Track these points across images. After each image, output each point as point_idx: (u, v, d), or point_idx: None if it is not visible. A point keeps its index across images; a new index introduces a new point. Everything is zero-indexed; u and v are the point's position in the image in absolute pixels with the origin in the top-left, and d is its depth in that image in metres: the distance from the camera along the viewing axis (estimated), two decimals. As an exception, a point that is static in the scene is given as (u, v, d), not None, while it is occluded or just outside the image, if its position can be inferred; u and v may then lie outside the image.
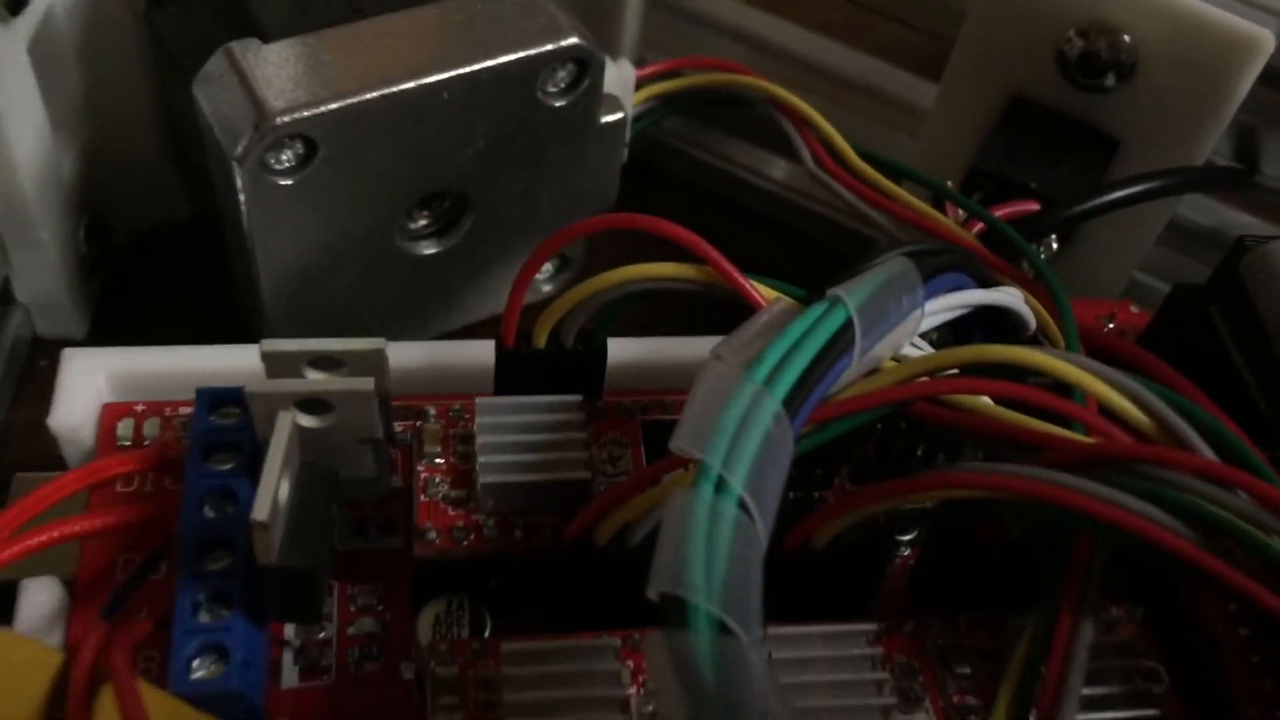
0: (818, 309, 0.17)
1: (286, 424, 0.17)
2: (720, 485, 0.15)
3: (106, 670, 0.15)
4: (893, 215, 0.24)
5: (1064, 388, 0.17)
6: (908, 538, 0.19)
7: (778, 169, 0.32)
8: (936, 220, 0.23)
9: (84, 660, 0.15)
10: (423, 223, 0.25)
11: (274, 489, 0.16)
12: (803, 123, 0.25)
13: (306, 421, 0.17)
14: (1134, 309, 0.23)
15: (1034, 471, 0.16)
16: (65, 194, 0.26)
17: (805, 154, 0.25)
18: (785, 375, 0.16)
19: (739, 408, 0.15)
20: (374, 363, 0.18)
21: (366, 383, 0.17)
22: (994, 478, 0.16)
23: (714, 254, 0.18)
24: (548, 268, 0.28)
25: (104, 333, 0.28)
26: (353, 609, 0.19)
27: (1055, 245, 0.24)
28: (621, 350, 0.20)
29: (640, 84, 0.26)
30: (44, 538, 0.18)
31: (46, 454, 0.22)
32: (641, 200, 0.26)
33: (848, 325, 0.17)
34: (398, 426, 0.20)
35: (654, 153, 0.31)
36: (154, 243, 0.29)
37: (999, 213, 0.23)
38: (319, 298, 0.24)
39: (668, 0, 0.31)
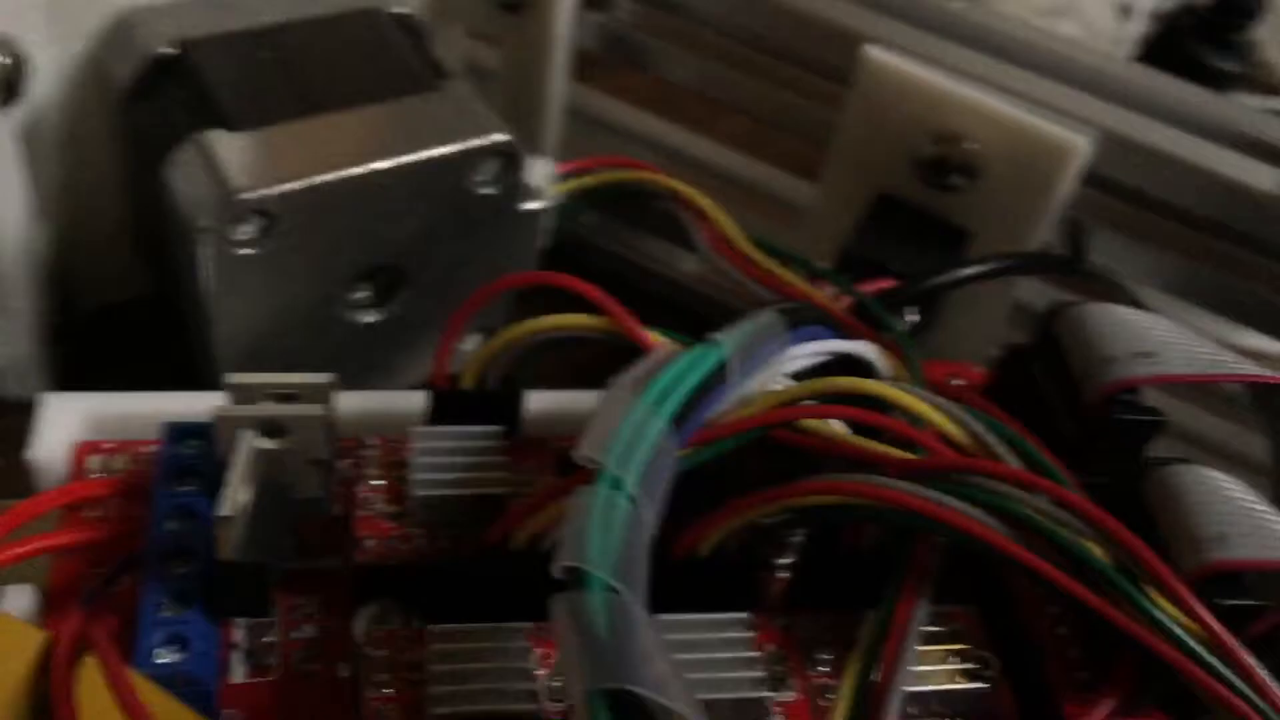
0: (700, 349, 0.20)
1: (247, 439, 0.20)
2: (616, 483, 0.18)
3: (88, 643, 0.18)
4: (776, 291, 0.27)
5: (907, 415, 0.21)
6: (786, 545, 0.22)
7: (689, 262, 0.36)
8: (811, 294, 0.27)
9: (67, 633, 0.18)
10: (362, 294, 0.28)
11: (234, 491, 0.19)
12: (699, 214, 0.29)
13: (264, 444, 0.20)
14: (975, 369, 0.26)
15: (878, 479, 0.19)
16: (40, 269, 0.29)
17: (700, 240, 0.29)
18: (671, 399, 0.19)
19: (632, 424, 0.19)
20: (323, 393, 0.21)
21: (317, 408, 0.20)
22: (847, 484, 0.19)
23: (614, 306, 0.22)
24: (475, 339, 0.31)
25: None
26: (295, 617, 0.22)
27: (916, 318, 0.28)
28: (539, 400, 0.24)
29: (561, 178, 0.30)
30: (26, 549, 0.21)
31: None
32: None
33: (723, 362, 0.20)
34: (342, 463, 0.23)
35: (575, 247, 0.35)
36: (114, 317, 0.32)
37: (864, 289, 0.27)
38: (268, 361, 0.27)
39: (586, 111, 0.35)
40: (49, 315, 0.29)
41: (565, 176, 0.30)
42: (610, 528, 0.17)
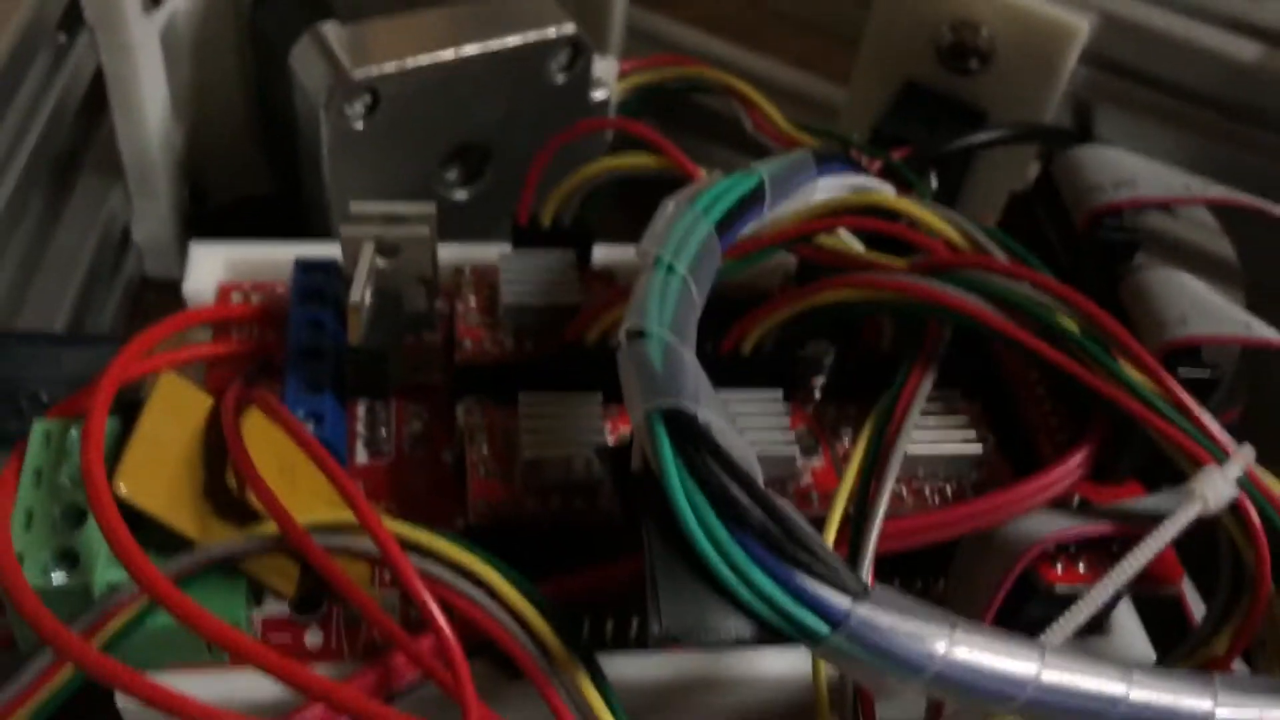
0: (739, 174, 0.24)
1: (369, 249, 0.24)
2: (670, 268, 0.22)
3: (250, 400, 0.22)
4: (812, 160, 0.31)
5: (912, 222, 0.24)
6: (826, 359, 0.25)
7: (719, 155, 0.40)
8: (844, 162, 0.31)
9: (232, 392, 0.22)
10: (454, 173, 0.33)
11: (362, 285, 0.23)
12: (746, 101, 0.33)
13: (380, 262, 0.25)
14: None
15: (886, 273, 0.23)
16: (176, 159, 0.33)
17: (747, 122, 0.33)
18: (716, 208, 0.23)
19: (684, 224, 0.23)
20: (427, 219, 0.25)
21: (423, 229, 0.25)
22: (861, 279, 0.23)
23: (672, 147, 0.26)
24: (548, 219, 0.35)
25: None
26: (405, 415, 0.26)
27: (935, 183, 0.32)
28: (607, 253, 0.28)
29: (623, 75, 0.34)
30: (187, 354, 0.25)
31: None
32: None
33: (761, 185, 0.24)
34: (441, 303, 0.27)
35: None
36: (238, 211, 0.37)
37: (890, 154, 0.31)
38: (374, 227, 0.32)
39: (640, 29, 0.39)
40: (183, 204, 0.34)
41: (629, 73, 0.35)
42: (665, 298, 0.21)
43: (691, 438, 0.19)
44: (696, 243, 0.22)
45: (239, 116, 0.35)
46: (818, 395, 0.26)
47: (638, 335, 0.21)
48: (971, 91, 0.33)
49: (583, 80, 0.32)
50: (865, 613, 0.18)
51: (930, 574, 0.24)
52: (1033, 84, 0.32)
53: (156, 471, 0.21)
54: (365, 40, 0.30)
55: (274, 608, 0.23)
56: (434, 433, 0.26)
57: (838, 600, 0.18)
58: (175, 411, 0.22)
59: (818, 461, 0.24)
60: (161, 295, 0.35)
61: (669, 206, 0.23)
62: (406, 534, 0.20)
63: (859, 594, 0.18)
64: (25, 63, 0.27)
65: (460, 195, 0.33)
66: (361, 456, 0.25)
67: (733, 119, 0.34)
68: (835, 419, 0.25)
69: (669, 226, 0.22)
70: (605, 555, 0.23)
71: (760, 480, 0.20)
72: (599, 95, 0.33)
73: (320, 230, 0.32)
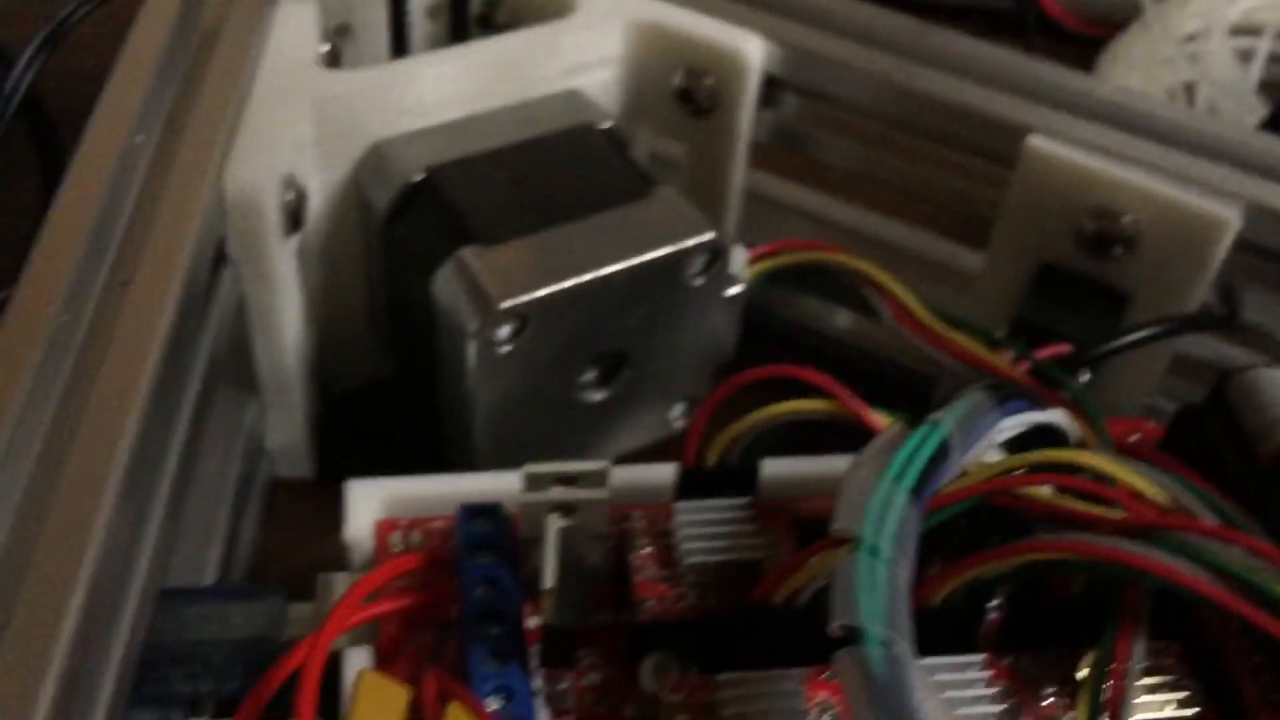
0: (925, 428, 0.24)
1: (555, 523, 0.24)
2: (873, 551, 0.21)
3: (448, 694, 0.22)
4: (956, 356, 0.31)
5: (1104, 478, 0.24)
6: (995, 602, 0.25)
7: (845, 320, 0.39)
8: (991, 360, 0.30)
9: (430, 685, 0.22)
10: (592, 375, 0.32)
11: (554, 567, 0.23)
12: (880, 289, 0.33)
13: (561, 524, 0.24)
14: (1151, 424, 0.29)
15: (1097, 538, 0.23)
16: (309, 366, 0.33)
17: (885, 312, 0.32)
18: (909, 474, 0.23)
19: (881, 497, 0.22)
20: (601, 478, 0.25)
21: (601, 491, 0.24)
22: (1069, 544, 0.23)
23: (842, 390, 0.25)
24: (678, 408, 0.35)
25: (325, 472, 0.35)
26: (582, 667, 0.26)
27: (1086, 378, 0.31)
28: (771, 466, 0.27)
29: (750, 262, 0.34)
30: (370, 613, 0.25)
31: (297, 572, 0.29)
32: (745, 349, 0.34)
33: (948, 439, 0.24)
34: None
35: (753, 312, 0.39)
36: (361, 400, 0.36)
37: (1040, 355, 0.30)
38: (515, 438, 0.31)
39: (757, 191, 0.39)
40: (314, 406, 0.34)
41: (754, 260, 0.34)
42: (875, 588, 0.21)
43: (933, 764, 0.19)
44: (896, 517, 0.22)
45: (361, 315, 0.35)
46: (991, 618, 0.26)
47: (854, 634, 0.20)
48: (1113, 275, 0.32)
49: (719, 279, 0.32)
50: None
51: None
52: (1181, 272, 0.31)
53: (369, 790, 0.21)
54: (508, 265, 0.29)
55: None
56: (614, 686, 0.25)
57: None
58: (378, 712, 0.22)
59: (1022, 724, 0.24)
60: (293, 497, 0.35)
61: (860, 474, 0.23)
62: None
63: None
64: (190, 313, 0.27)
65: (597, 397, 0.32)
66: (543, 717, 0.25)
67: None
68: (1034, 675, 0.24)
69: (865, 500, 0.22)
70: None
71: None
72: (733, 290, 0.33)
73: (459, 439, 0.32)
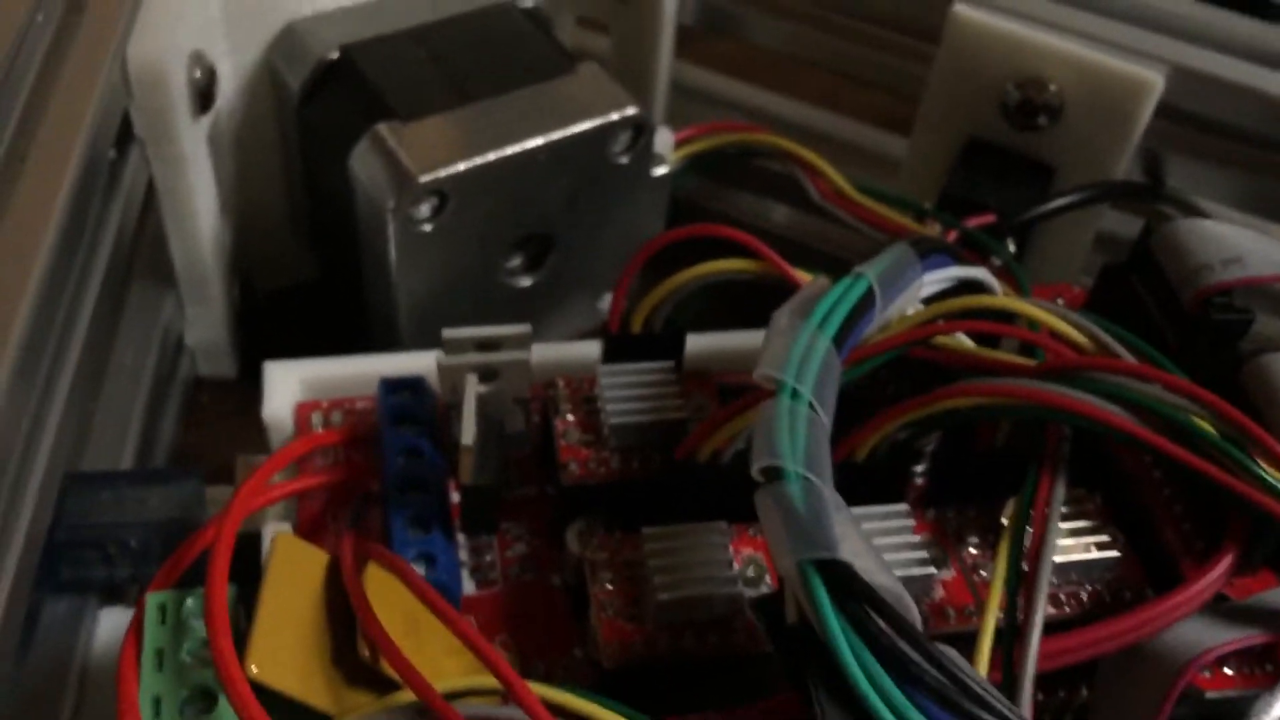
0: (848, 280, 0.23)
1: (473, 383, 0.23)
2: (794, 395, 0.21)
3: (367, 555, 0.22)
4: (886, 231, 0.31)
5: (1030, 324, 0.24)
6: (927, 448, 0.25)
7: (776, 212, 0.39)
8: (921, 231, 0.30)
9: (348, 545, 0.21)
10: (517, 262, 0.32)
11: (473, 424, 0.22)
12: (809, 168, 0.32)
13: (481, 388, 0.24)
14: (1075, 289, 0.29)
15: (1017, 380, 0.23)
16: (226, 259, 0.32)
17: (813, 192, 0.32)
18: (831, 322, 0.22)
19: (803, 343, 0.22)
20: (524, 341, 0.24)
21: (523, 354, 0.24)
22: (989, 387, 0.23)
23: (767, 250, 0.25)
24: (607, 297, 0.34)
25: (249, 373, 0.34)
26: (507, 538, 0.25)
27: (1012, 247, 0.31)
28: (695, 341, 0.27)
29: (678, 145, 0.33)
30: (286, 490, 0.24)
31: (222, 469, 0.28)
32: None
33: (871, 290, 0.23)
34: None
35: (682, 208, 0.38)
36: (285, 300, 0.36)
37: (967, 223, 0.30)
38: (441, 322, 0.31)
39: (683, 83, 0.38)
40: (235, 303, 0.33)
41: (682, 143, 0.34)
42: (796, 430, 0.21)
43: (850, 591, 0.18)
44: (818, 362, 0.22)
45: (281, 207, 0.34)
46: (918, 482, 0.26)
47: (774, 474, 0.20)
48: (1038, 147, 0.32)
49: (644, 158, 0.31)
50: (1055, 772, 0.17)
51: (1070, 685, 0.24)
52: (1105, 139, 0.31)
53: (285, 645, 0.20)
54: (427, 139, 0.28)
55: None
56: (540, 556, 0.25)
57: (1026, 760, 0.18)
58: (294, 575, 0.21)
59: (947, 573, 0.24)
60: (215, 395, 0.34)
61: (781, 322, 0.23)
62: (552, 698, 0.20)
63: (1044, 751, 0.18)
64: (89, 189, 0.26)
65: (523, 283, 0.32)
66: (469, 587, 0.25)
67: (788, 177, 0.34)
68: (958, 526, 0.24)
69: (787, 347, 0.22)
70: (740, 692, 0.22)
71: (919, 624, 0.19)
72: (659, 171, 0.32)
73: (383, 325, 0.31)
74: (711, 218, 0.38)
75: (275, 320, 0.35)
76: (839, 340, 0.22)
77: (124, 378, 0.29)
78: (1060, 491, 0.23)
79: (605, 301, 0.34)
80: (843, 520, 0.20)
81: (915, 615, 0.19)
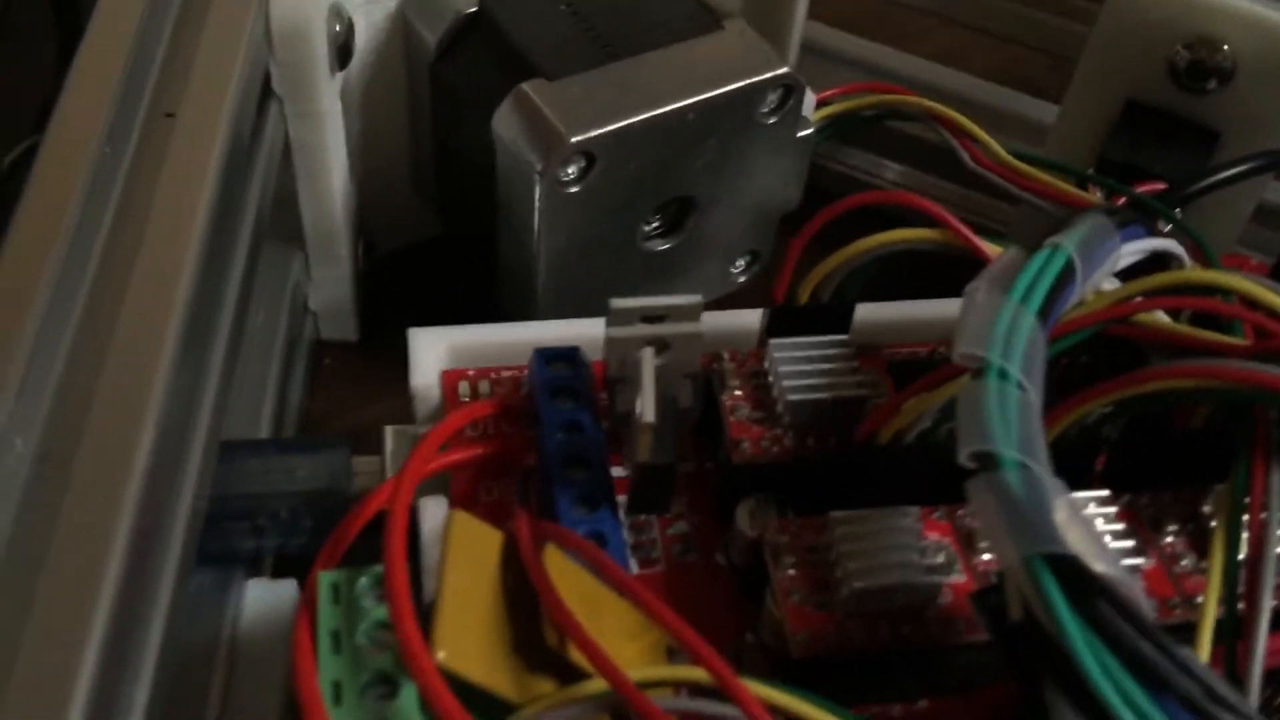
0: (1047, 251, 0.22)
1: (649, 356, 0.22)
2: (1003, 374, 0.20)
3: (544, 533, 0.20)
4: (1045, 197, 0.29)
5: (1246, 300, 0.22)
6: (1116, 433, 0.24)
7: (912, 179, 0.37)
8: (1084, 198, 0.29)
9: (525, 524, 0.20)
10: (656, 224, 0.31)
11: (653, 399, 0.21)
12: (959, 131, 0.31)
13: (655, 358, 0.23)
14: (1254, 261, 0.28)
15: (1229, 361, 0.21)
16: (353, 218, 0.31)
17: (964, 155, 0.31)
18: (1035, 295, 0.21)
19: (1006, 318, 0.20)
20: (695, 312, 0.23)
21: (696, 325, 0.23)
22: (1198, 368, 0.21)
23: (953, 219, 0.23)
24: (740, 262, 0.33)
25: (369, 335, 0.33)
26: (669, 516, 0.24)
27: (1179, 216, 0.30)
28: (863, 310, 0.25)
29: (819, 104, 0.32)
30: (445, 462, 0.23)
31: (348, 435, 0.27)
32: (808, 205, 0.32)
33: (1071, 262, 0.22)
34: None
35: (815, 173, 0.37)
36: (405, 260, 0.35)
37: (1141, 190, 0.28)
38: (577, 287, 0.30)
39: (813, 44, 0.37)
40: (359, 263, 0.32)
41: (824, 104, 0.32)
42: (1007, 412, 0.19)
43: (1085, 587, 0.17)
44: (1024, 339, 0.20)
45: (405, 165, 0.33)
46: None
47: (988, 460, 0.19)
48: (1203, 110, 0.30)
49: (792, 120, 0.30)
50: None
51: (1276, 684, 0.22)
52: (1273, 102, 0.29)
53: (469, 630, 0.19)
54: (573, 99, 0.27)
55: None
56: (703, 534, 0.24)
57: (1278, 771, 0.16)
58: (472, 555, 0.20)
59: (1147, 563, 0.22)
60: (338, 359, 0.33)
61: (979, 296, 0.21)
62: (766, 695, 0.19)
63: (1299, 761, 0.17)
64: (239, 150, 0.25)
65: (662, 246, 0.31)
66: (632, 566, 0.24)
67: (920, 140, 0.32)
68: (1154, 513, 0.23)
69: (990, 322, 0.20)
70: (934, 684, 0.21)
71: (1152, 616, 0.18)
72: (804, 133, 0.31)
73: (517, 287, 0.30)
74: (839, 183, 0.37)
75: (395, 282, 0.34)
76: (1043, 315, 0.21)
77: (258, 342, 0.28)
78: (1276, 478, 0.21)
79: (739, 266, 0.33)
80: (1066, 507, 0.18)
81: (1149, 609, 0.18)
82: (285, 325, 0.29)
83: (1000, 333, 0.20)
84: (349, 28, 0.28)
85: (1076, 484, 0.23)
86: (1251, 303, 0.22)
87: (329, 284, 0.31)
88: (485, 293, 0.31)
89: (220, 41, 0.25)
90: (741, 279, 0.33)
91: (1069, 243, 0.22)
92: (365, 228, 0.33)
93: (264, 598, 0.24)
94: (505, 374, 0.26)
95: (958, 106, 0.36)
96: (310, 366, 0.32)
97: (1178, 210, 0.29)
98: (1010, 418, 0.19)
